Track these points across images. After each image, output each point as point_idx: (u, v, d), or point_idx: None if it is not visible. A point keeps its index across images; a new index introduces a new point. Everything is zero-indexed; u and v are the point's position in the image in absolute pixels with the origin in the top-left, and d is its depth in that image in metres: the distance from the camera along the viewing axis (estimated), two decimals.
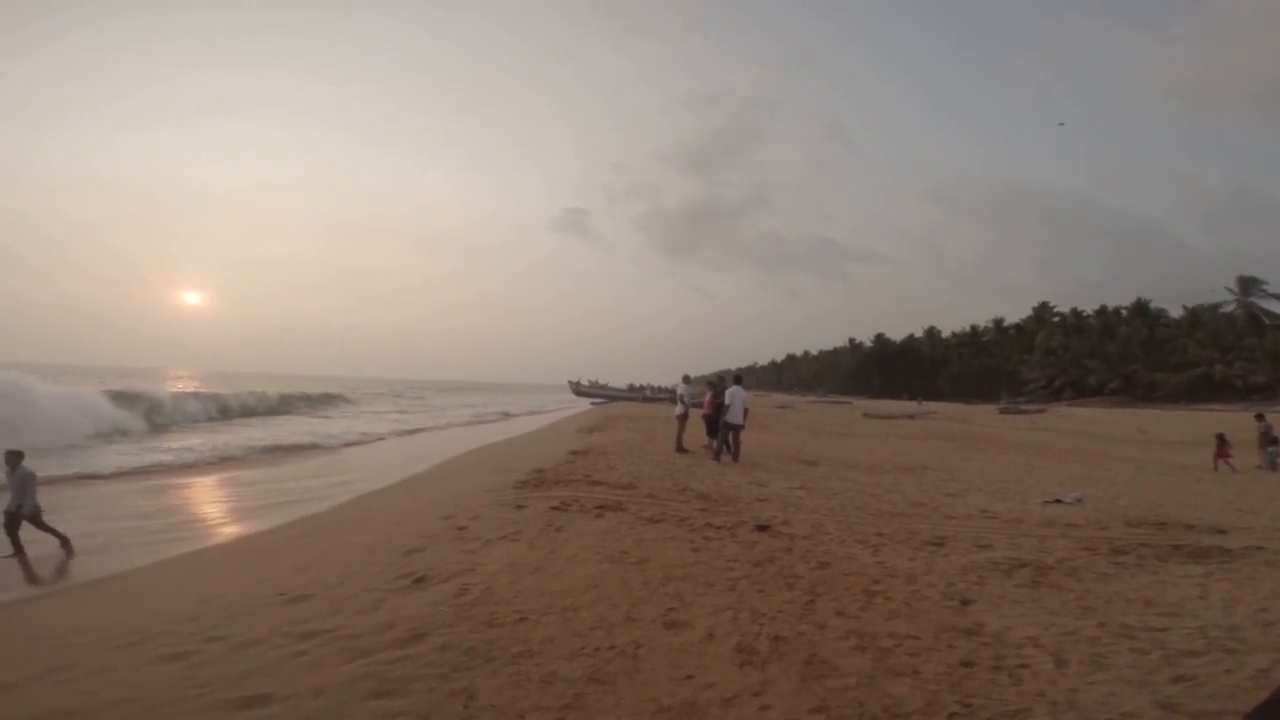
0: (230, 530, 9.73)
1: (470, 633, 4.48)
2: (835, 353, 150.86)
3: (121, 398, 27.20)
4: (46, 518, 8.57)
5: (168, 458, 17.32)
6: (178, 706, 3.63)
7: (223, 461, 17.41)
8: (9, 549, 8.22)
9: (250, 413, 34.73)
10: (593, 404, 55.41)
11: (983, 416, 46.62)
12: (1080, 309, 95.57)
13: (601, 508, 8.79)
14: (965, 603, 5.41)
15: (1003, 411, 52.84)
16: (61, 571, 7.67)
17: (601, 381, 64.38)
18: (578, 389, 62.78)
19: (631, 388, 64.28)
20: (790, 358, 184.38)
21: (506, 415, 45.29)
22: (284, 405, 39.96)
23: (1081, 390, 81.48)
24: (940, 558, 6.87)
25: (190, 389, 46.69)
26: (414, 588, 5.75)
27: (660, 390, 60.53)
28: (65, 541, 8.44)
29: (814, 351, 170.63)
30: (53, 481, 12.23)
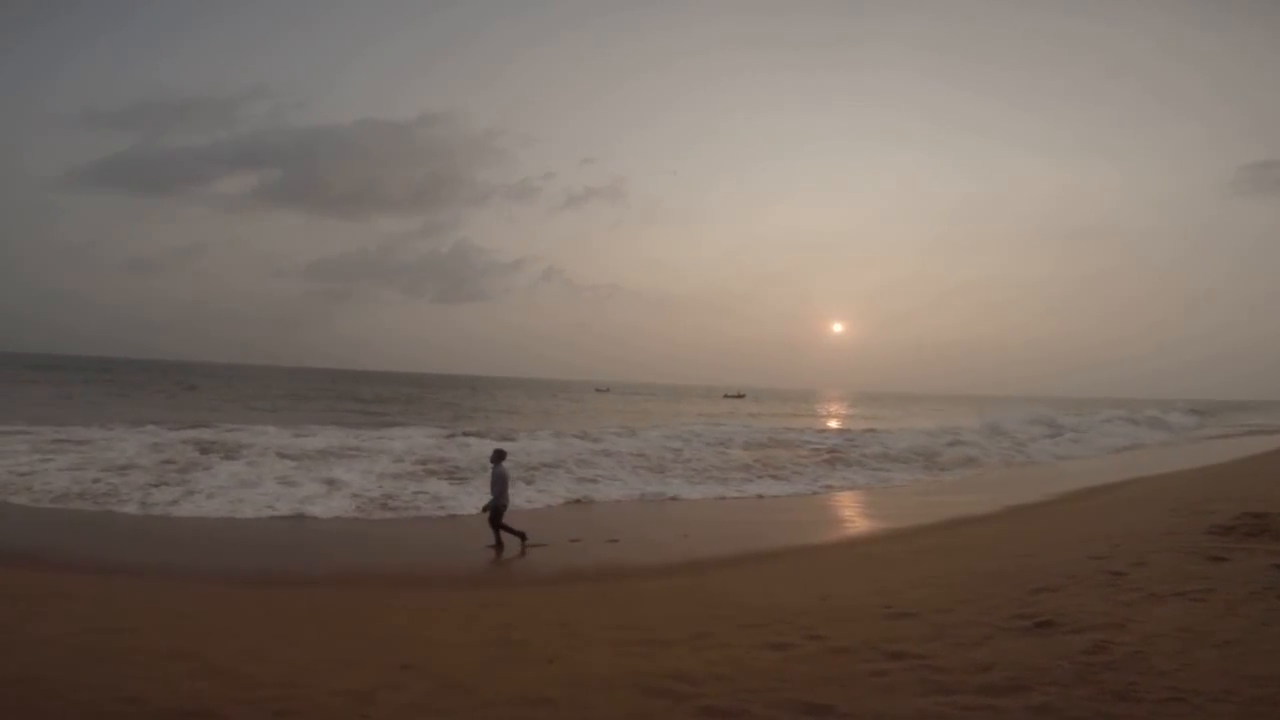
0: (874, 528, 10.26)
1: (1088, 700, 3.26)
2: None
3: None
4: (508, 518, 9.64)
5: None
6: (760, 695, 3.80)
7: None
8: (493, 539, 9.51)
9: None
10: None
11: None
12: None
13: None
14: None
15: None
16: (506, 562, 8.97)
17: None
18: None
19: None
20: None
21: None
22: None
23: None
24: None
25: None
26: (1033, 631, 4.69)
27: None
28: (522, 538, 9.45)
29: None
30: None
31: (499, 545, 9.63)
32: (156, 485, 12.29)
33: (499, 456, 10.09)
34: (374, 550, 9.61)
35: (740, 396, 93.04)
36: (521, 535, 9.69)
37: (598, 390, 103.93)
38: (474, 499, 12.03)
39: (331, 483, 12.90)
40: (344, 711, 3.80)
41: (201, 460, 14.29)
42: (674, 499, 14.29)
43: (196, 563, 8.53)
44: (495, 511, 9.72)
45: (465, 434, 21.81)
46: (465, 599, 7.21)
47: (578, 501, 13.53)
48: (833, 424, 43.89)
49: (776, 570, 8.00)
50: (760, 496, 15.02)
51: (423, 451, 16.11)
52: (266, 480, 12.85)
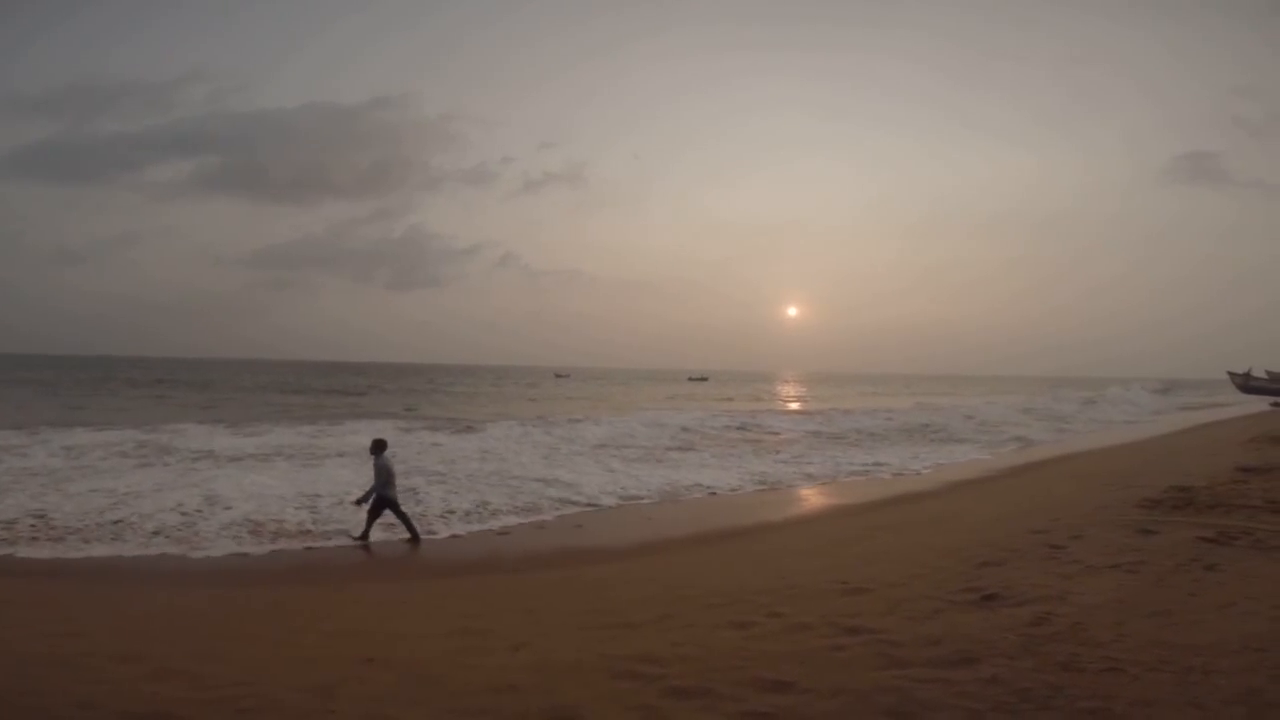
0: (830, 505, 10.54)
1: (1033, 671, 3.46)
2: None
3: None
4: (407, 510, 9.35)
5: None
6: (725, 674, 3.90)
7: None
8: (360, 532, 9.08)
9: None
10: (1273, 404, 38.69)
11: None
12: None
13: None
14: None
15: None
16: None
17: None
18: (1246, 384, 44.62)
19: None
20: None
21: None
22: None
23: None
24: None
25: None
26: (979, 605, 4.94)
27: None
28: (364, 538, 9.08)
29: None
30: None
31: (366, 535, 9.28)
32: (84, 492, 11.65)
33: (379, 447, 9.58)
34: (332, 545, 9.40)
35: (704, 380, 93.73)
36: (365, 537, 9.29)
37: (557, 376, 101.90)
38: (440, 494, 11.87)
39: (293, 488, 12.25)
40: (308, 707, 3.75)
41: (149, 464, 13.71)
42: (651, 500, 13.43)
43: (144, 565, 8.25)
44: (380, 503, 9.25)
45: (432, 428, 21.44)
46: (427, 589, 7.16)
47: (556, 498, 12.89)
48: (794, 406, 44.75)
49: (738, 550, 8.19)
50: (736, 485, 14.82)
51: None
52: (194, 485, 12.07)
